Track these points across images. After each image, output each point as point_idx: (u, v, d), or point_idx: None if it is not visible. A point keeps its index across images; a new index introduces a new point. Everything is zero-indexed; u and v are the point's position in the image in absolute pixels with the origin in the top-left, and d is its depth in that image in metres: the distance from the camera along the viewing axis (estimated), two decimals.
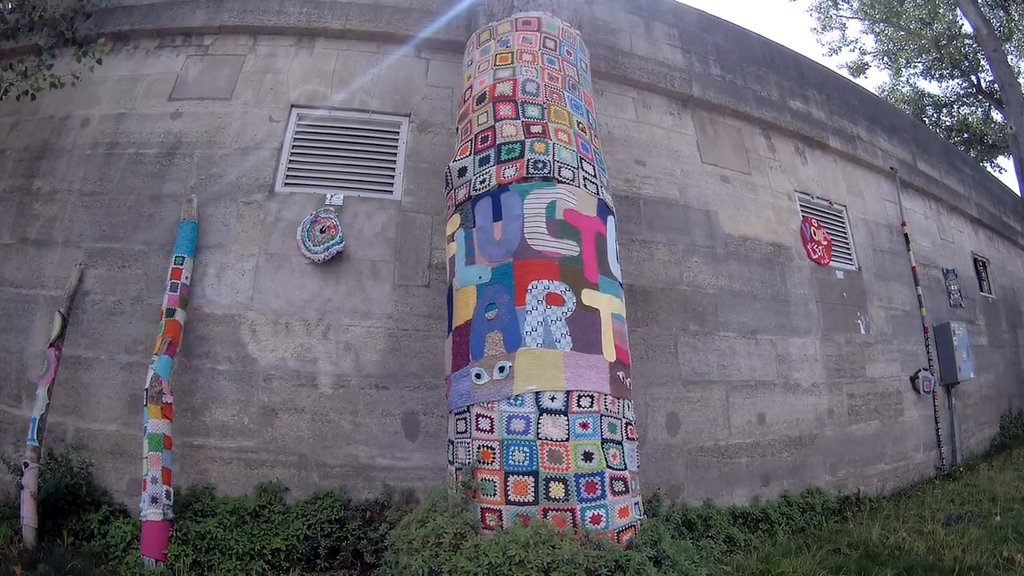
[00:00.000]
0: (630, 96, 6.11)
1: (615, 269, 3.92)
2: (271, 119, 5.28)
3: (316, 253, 4.66)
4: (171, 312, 4.47)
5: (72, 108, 5.73)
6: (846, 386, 6.33)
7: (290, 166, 5.15)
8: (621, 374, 3.65)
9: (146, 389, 4.14)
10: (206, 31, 5.77)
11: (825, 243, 6.52)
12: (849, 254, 6.93)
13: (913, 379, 6.97)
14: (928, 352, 7.38)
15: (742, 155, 6.48)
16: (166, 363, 4.25)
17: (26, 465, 4.13)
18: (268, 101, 5.37)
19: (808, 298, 6.26)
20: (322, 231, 4.71)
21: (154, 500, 3.90)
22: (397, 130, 5.30)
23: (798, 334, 6.08)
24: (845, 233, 7.02)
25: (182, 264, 4.65)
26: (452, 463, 3.63)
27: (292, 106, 5.34)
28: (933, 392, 7.12)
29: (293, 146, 5.22)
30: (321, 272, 4.73)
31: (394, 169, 5.15)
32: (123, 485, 4.40)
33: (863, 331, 6.61)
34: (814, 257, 6.36)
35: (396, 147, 5.23)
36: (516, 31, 4.55)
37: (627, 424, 3.61)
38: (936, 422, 7.16)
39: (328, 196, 4.92)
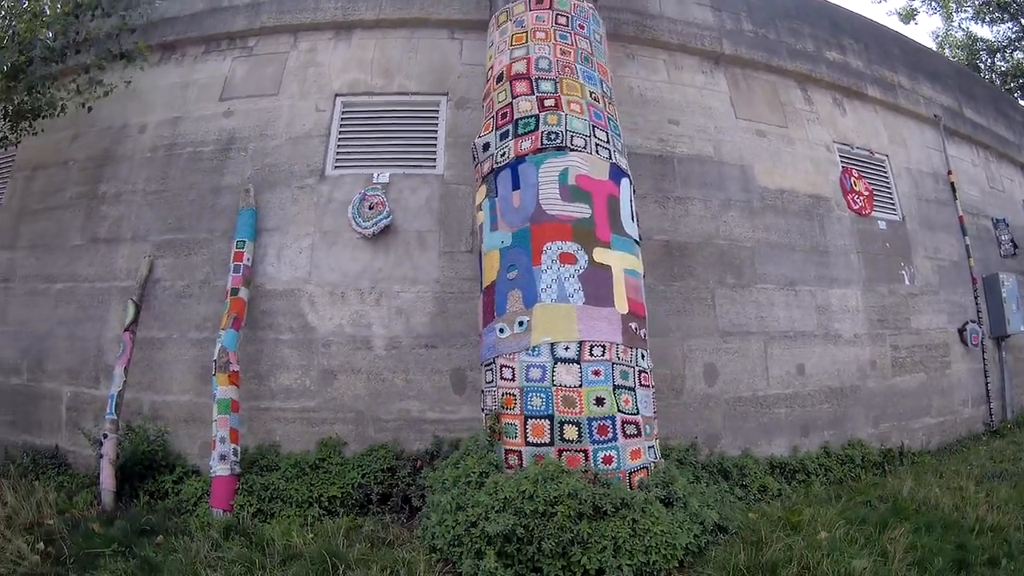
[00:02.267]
0: (661, 58, 6.19)
1: (629, 228, 4.12)
2: (317, 109, 5.60)
3: (366, 228, 4.98)
4: (235, 291, 4.86)
5: (128, 117, 6.16)
6: (890, 337, 6.24)
7: (338, 150, 5.47)
8: (634, 325, 3.85)
9: (215, 360, 4.55)
10: (248, 33, 6.12)
11: (866, 193, 6.44)
12: (892, 204, 6.83)
13: (961, 331, 6.82)
14: (977, 304, 7.21)
15: (777, 109, 6.47)
16: (232, 336, 4.65)
17: (105, 436, 4.56)
18: (313, 93, 5.68)
19: (849, 249, 6.22)
20: (370, 208, 5.00)
21: (222, 457, 4.30)
22: (437, 108, 5.54)
23: (839, 285, 6.04)
24: (888, 183, 6.91)
25: (243, 248, 5.02)
26: (483, 410, 3.92)
27: (336, 95, 5.64)
28: (982, 345, 6.95)
29: (340, 132, 5.53)
30: (372, 245, 5.05)
31: (435, 145, 5.41)
32: (196, 449, 4.82)
33: (907, 282, 6.52)
34: (855, 208, 6.31)
35: (436, 125, 5.48)
36: (530, 11, 4.76)
37: (640, 372, 3.82)
38: (985, 376, 6.99)
39: (375, 175, 5.24)
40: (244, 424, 4.76)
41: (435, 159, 5.36)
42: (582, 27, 4.78)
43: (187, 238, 5.47)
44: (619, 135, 4.46)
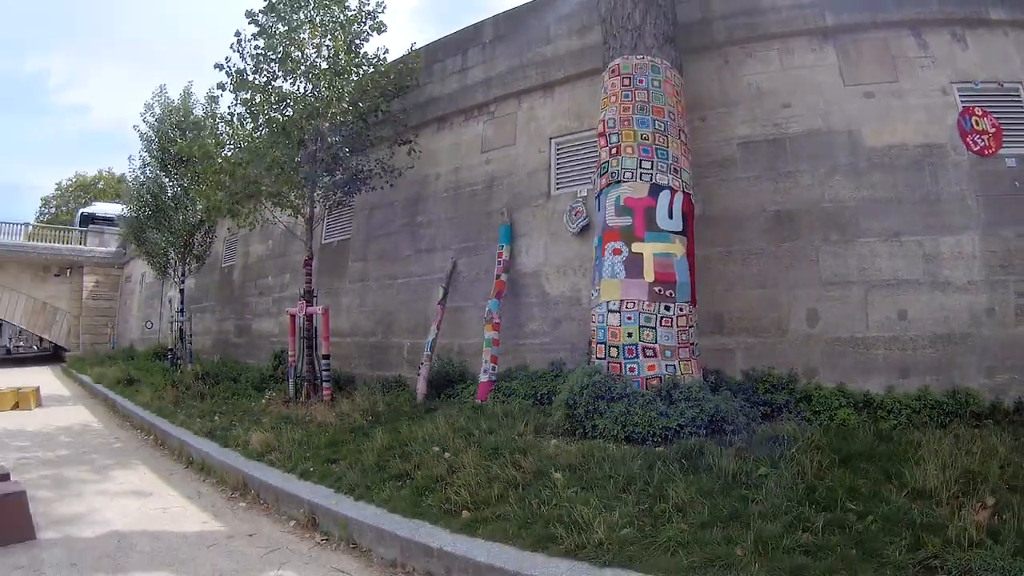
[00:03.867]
0: (774, 48, 7.10)
1: (665, 224, 6.18)
2: (539, 151, 8.62)
3: (573, 228, 7.94)
4: (499, 276, 8.24)
5: (427, 170, 9.93)
6: (1015, 284, 6.03)
7: (556, 177, 8.40)
8: (658, 288, 6.05)
9: (484, 317, 7.97)
10: (489, 102, 9.36)
11: (993, 131, 6.36)
12: None
13: None
14: None
15: (888, 64, 6.69)
16: (495, 303, 8.04)
17: (422, 364, 8.30)
18: (536, 140, 8.68)
19: (965, 194, 6.23)
20: (575, 215, 7.94)
21: (485, 371, 7.68)
22: None
23: (951, 232, 6.15)
24: (1022, 114, 6.53)
25: (503, 249, 8.40)
26: None
27: (550, 138, 8.55)
28: None
29: (556, 165, 8.43)
30: (579, 239, 7.93)
31: None
32: (480, 370, 7.94)
33: None
34: (975, 149, 6.32)
35: None
36: (609, 79, 6.85)
37: (662, 317, 5.96)
38: None
39: (579, 191, 8.06)
40: (507, 353, 8.02)
41: None
42: (641, 81, 6.45)
43: (473, 245, 9.05)
44: (666, 157, 6.30)
